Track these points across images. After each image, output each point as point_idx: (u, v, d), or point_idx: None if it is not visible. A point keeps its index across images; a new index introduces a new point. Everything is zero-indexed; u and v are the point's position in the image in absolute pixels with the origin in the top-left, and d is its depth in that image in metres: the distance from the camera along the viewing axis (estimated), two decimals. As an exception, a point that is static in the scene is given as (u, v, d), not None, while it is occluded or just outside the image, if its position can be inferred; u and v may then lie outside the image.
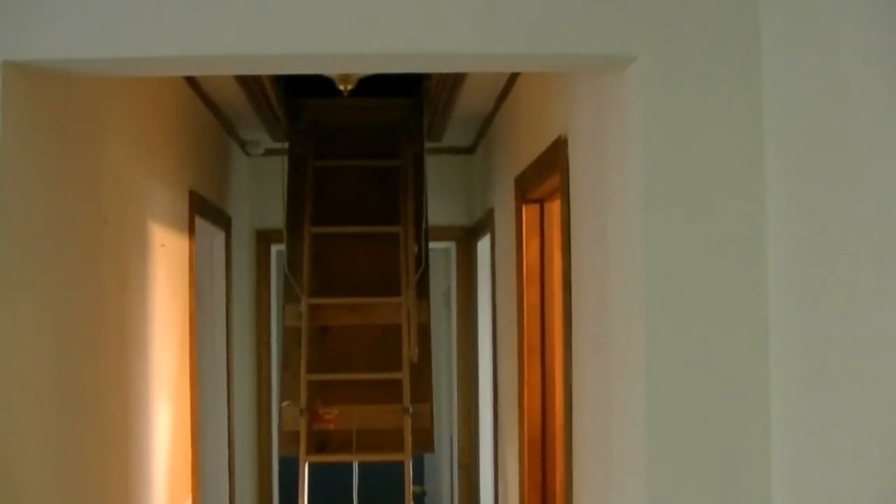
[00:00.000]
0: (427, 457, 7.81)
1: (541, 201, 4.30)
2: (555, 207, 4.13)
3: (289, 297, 5.53)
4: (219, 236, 5.68)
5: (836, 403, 1.99)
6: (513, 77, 4.58)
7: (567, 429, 3.35)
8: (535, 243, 4.38)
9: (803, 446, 2.17)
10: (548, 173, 3.73)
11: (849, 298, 1.94)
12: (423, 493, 7.80)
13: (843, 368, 1.96)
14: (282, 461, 6.70)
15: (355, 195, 5.80)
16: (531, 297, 4.36)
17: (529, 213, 4.37)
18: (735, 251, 2.39)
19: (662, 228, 2.41)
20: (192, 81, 4.66)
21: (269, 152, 6.39)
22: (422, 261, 5.52)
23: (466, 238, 6.63)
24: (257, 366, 6.51)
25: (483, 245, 6.05)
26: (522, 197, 4.35)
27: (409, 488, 5.03)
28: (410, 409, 5.11)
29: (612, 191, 2.75)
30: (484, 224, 5.85)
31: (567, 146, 3.35)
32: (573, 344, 3.30)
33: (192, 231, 4.67)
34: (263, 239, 6.56)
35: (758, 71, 2.39)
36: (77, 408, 3.00)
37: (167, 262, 4.17)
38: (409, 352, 5.19)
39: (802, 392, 2.18)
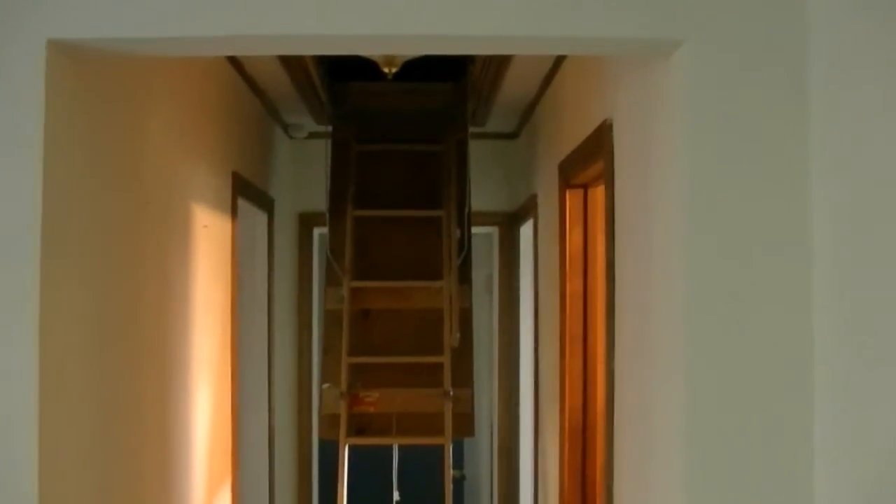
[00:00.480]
0: (467, 442, 7.80)
1: (584, 187, 4.28)
2: (598, 193, 4.11)
3: (331, 280, 5.54)
4: (261, 219, 5.69)
5: (882, 389, 1.96)
6: (557, 62, 4.56)
7: (608, 417, 3.33)
8: (579, 230, 4.36)
9: (846, 428, 2.14)
10: (592, 159, 3.71)
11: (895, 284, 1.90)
12: (463, 478, 7.79)
13: (888, 355, 1.93)
14: (322, 444, 6.71)
15: (398, 179, 5.79)
16: (574, 284, 4.33)
17: (573, 198, 4.34)
18: (779, 239, 2.37)
19: (706, 216, 2.39)
20: (236, 64, 4.66)
21: (312, 136, 6.39)
22: (464, 245, 5.51)
23: (509, 223, 6.61)
24: (298, 349, 6.52)
25: (526, 231, 6.03)
26: (566, 182, 4.32)
27: (449, 472, 5.02)
28: (451, 393, 5.10)
29: (657, 177, 2.72)
30: (527, 210, 5.83)
31: (612, 131, 3.32)
32: (615, 332, 3.28)
33: (234, 213, 4.67)
34: (306, 222, 6.56)
35: (803, 57, 2.36)
36: (118, 389, 3.00)
37: (209, 244, 4.17)
38: (451, 336, 5.18)
39: (847, 378, 2.15)
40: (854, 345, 2.12)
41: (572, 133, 4.13)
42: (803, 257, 2.33)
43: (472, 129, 6.00)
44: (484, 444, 7.10)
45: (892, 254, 1.92)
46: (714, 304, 2.37)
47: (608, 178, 3.36)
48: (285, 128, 6.33)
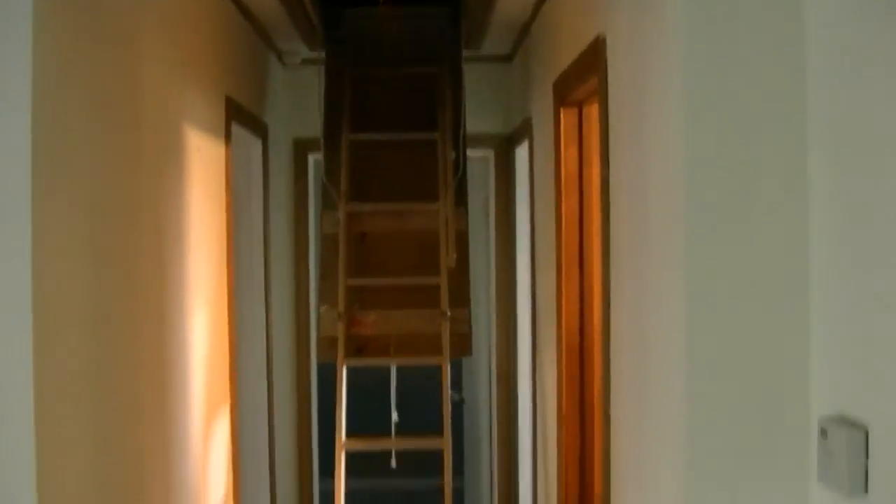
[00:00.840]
0: (465, 366, 7.85)
1: (579, 105, 4.27)
2: (593, 112, 4.10)
3: (326, 204, 5.55)
4: (256, 144, 5.68)
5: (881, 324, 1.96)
6: (551, -20, 4.54)
7: (605, 340, 3.34)
8: (574, 150, 4.36)
9: (844, 335, 2.15)
10: (586, 75, 3.69)
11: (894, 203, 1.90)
12: (462, 401, 7.84)
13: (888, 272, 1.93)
14: (320, 367, 6.76)
15: (393, 103, 5.78)
16: (570, 203, 4.34)
17: (567, 117, 4.33)
18: (777, 160, 2.34)
19: (703, 133, 2.36)
20: (227, -12, 4.64)
21: (306, 62, 6.37)
22: (459, 167, 5.51)
23: (504, 146, 6.61)
24: (295, 273, 6.53)
25: (521, 153, 6.02)
26: (560, 101, 4.32)
27: (447, 392, 5.05)
28: (448, 314, 5.12)
29: (652, 93, 2.71)
30: (522, 132, 5.82)
31: (606, 46, 3.31)
32: (612, 250, 3.28)
33: (228, 137, 4.66)
34: (301, 148, 6.55)
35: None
36: (114, 313, 3.02)
37: (204, 168, 4.17)
38: (447, 257, 5.21)
39: (845, 296, 2.15)
40: (851, 268, 2.12)
41: (566, 51, 4.11)
42: (801, 176, 2.31)
43: (466, 53, 5.99)
44: (482, 367, 7.15)
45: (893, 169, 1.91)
46: (711, 222, 2.35)
47: (602, 95, 3.35)
48: (279, 55, 6.31)
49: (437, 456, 4.98)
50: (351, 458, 5.15)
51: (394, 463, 5.43)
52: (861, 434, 1.86)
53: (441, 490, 4.98)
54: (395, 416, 5.43)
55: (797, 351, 2.24)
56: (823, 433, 2.00)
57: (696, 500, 2.30)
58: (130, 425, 3.14)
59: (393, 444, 5.36)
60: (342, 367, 5.08)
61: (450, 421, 5.07)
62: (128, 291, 3.15)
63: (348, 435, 5.06)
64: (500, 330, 6.70)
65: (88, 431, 2.76)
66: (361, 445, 5.18)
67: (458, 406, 7.84)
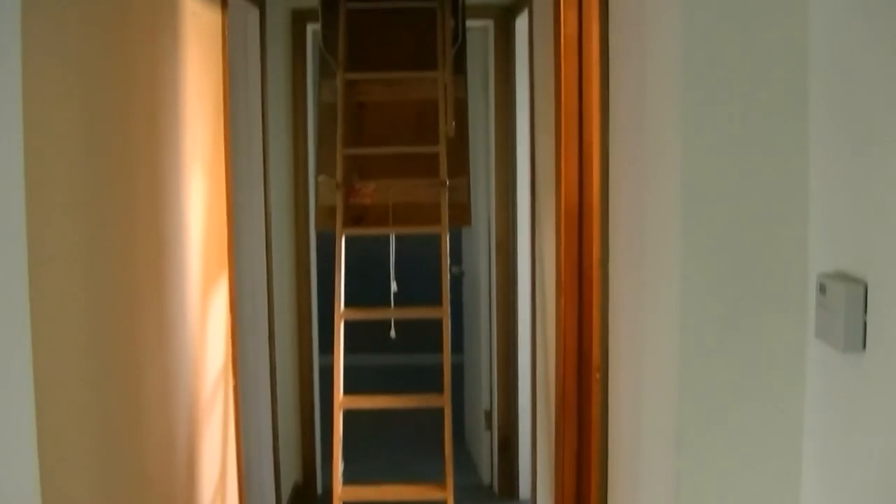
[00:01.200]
0: (464, 238, 7.84)
1: (579, -32, 4.20)
2: (594, -26, 4.04)
3: (324, 73, 5.49)
4: (253, 13, 5.60)
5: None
6: None
7: (603, 200, 3.32)
8: (573, 14, 4.29)
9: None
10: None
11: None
12: (461, 274, 7.85)
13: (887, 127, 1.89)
14: (319, 238, 6.75)
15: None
16: (569, 68, 4.29)
17: (567, -20, 4.27)
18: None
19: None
20: None
21: (303, -72, 6.26)
22: (458, 35, 5.44)
23: (504, 16, 6.51)
24: (293, 143, 6.49)
25: (521, 23, 5.95)
26: (560, -36, 4.25)
27: (446, 261, 5.05)
28: (447, 183, 5.10)
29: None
30: (521, 0, 5.75)
31: None
32: (611, 113, 3.24)
33: (224, 4, 4.59)
34: (299, 18, 6.45)
35: None
36: (107, 178, 2.98)
37: (200, 34, 4.11)
38: (446, 126, 5.17)
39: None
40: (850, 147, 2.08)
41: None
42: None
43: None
44: (482, 240, 7.13)
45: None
46: (711, 82, 2.31)
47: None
48: (274, -82, 6.20)
49: (437, 331, 4.99)
50: (350, 333, 5.17)
51: (393, 333, 5.45)
52: (860, 289, 1.85)
53: (440, 365, 5.00)
54: (394, 287, 5.43)
55: (796, 208, 2.21)
56: (822, 289, 1.98)
57: (692, 355, 2.29)
58: (126, 292, 3.12)
59: (392, 314, 5.36)
60: (341, 236, 5.07)
61: (448, 291, 5.08)
62: (121, 157, 3.11)
63: (347, 307, 5.07)
64: (499, 200, 6.67)
65: (82, 298, 2.74)
66: (360, 315, 5.19)
67: (457, 279, 7.84)
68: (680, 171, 2.30)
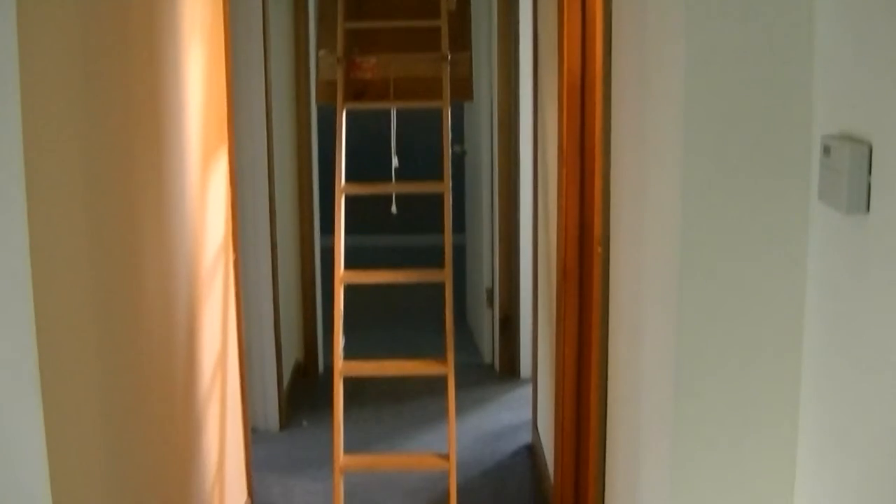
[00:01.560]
0: (466, 117, 7.79)
1: None
2: None
3: (324, -55, 5.41)
4: None
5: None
6: None
7: (606, 71, 3.27)
8: None
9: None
10: None
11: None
12: (464, 153, 7.81)
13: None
14: (321, 113, 6.70)
15: None
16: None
17: None
18: None
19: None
20: None
21: None
22: None
23: None
24: (294, 16, 6.41)
25: None
26: None
27: (447, 135, 5.01)
28: (449, 57, 5.04)
29: None
30: None
31: None
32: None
33: None
34: None
35: None
36: (104, 50, 2.93)
37: None
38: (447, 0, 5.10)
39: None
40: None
41: None
42: None
43: None
44: (484, 118, 7.08)
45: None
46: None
47: None
48: None
49: (438, 211, 4.96)
50: (351, 213, 5.14)
51: (394, 209, 5.43)
52: (864, 149, 1.81)
53: (442, 245, 4.99)
54: (395, 162, 5.40)
55: (801, 70, 2.17)
56: (826, 150, 1.95)
57: (694, 220, 2.27)
58: (124, 163, 3.09)
59: (393, 188, 5.33)
60: (341, 111, 5.02)
61: (450, 165, 5.04)
62: (119, 31, 3.05)
63: (348, 182, 5.04)
64: (501, 76, 6.61)
65: (79, 171, 2.71)
66: (361, 190, 5.15)
67: (459, 157, 7.81)
68: (684, 38, 2.26)
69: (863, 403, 1.85)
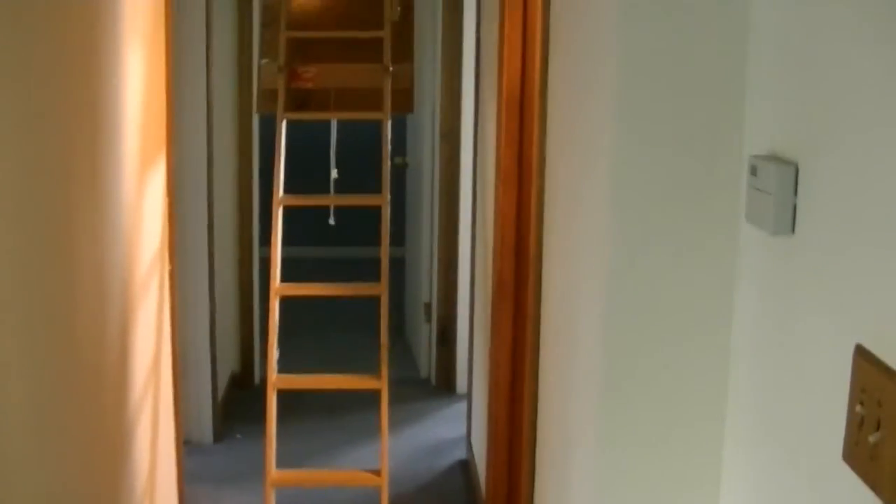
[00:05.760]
0: (409, 129, 7.78)
1: None
2: None
3: (270, -46, 5.40)
4: None
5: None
6: None
7: (542, 85, 3.28)
8: None
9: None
10: None
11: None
12: (405, 165, 7.79)
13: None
14: (262, 122, 6.67)
15: None
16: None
17: None
18: None
19: None
20: None
21: None
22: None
23: None
24: (238, 25, 6.37)
25: None
26: None
27: (387, 148, 5.00)
28: (391, 69, 5.03)
29: None
30: None
31: None
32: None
33: None
34: None
35: None
36: (40, 52, 2.90)
37: None
38: (391, 10, 5.09)
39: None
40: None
41: None
42: None
43: None
44: (426, 130, 7.06)
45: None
46: None
47: None
48: None
49: (377, 224, 4.95)
50: (289, 225, 5.12)
51: (332, 220, 5.42)
52: (791, 170, 1.82)
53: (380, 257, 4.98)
54: (334, 174, 5.39)
55: (733, 89, 2.18)
56: (753, 171, 1.95)
57: (624, 238, 2.28)
58: (59, 165, 3.05)
59: (332, 200, 5.32)
60: (282, 120, 5.00)
61: (389, 178, 5.03)
62: (55, 33, 3.02)
63: (287, 194, 5.02)
64: (445, 88, 6.60)
65: (13, 170, 2.67)
66: (299, 202, 5.13)
67: (401, 170, 7.79)
68: (616, 56, 2.27)
69: (787, 419, 1.86)
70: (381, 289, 4.93)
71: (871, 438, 1.51)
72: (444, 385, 7.04)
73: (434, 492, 5.55)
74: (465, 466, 5.81)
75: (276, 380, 4.80)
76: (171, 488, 4.73)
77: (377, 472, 4.83)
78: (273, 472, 4.73)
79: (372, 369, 5.12)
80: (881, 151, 1.52)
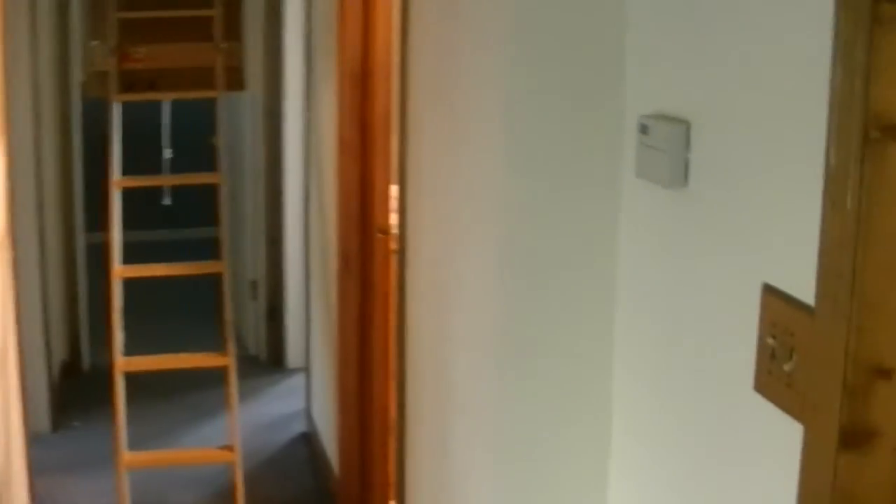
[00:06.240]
0: (229, 107, 7.70)
1: None
2: None
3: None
4: None
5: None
6: None
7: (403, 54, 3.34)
8: None
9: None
10: None
11: None
12: (216, 145, 7.71)
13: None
14: (88, 104, 6.54)
15: None
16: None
17: None
18: None
19: None
20: None
21: None
22: None
23: None
24: (58, 7, 6.22)
25: None
26: None
27: (222, 127, 5.01)
28: (222, 47, 5.03)
29: None
30: None
31: None
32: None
33: None
34: None
35: None
36: None
37: None
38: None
39: None
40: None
41: None
42: None
43: None
44: (247, 109, 7.03)
45: None
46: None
47: None
48: None
49: (208, 204, 4.94)
50: (123, 210, 5.08)
51: (168, 200, 5.40)
52: (683, 127, 1.94)
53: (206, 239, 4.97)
54: (167, 154, 5.36)
55: (611, 52, 2.28)
56: (644, 129, 2.07)
57: (512, 192, 2.37)
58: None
59: (168, 180, 5.30)
60: (115, 103, 4.95)
61: (224, 157, 5.04)
62: None
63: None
64: (266, 64, 6.57)
65: None
66: (135, 183, 5.10)
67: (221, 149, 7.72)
68: (502, 17, 2.35)
69: (689, 359, 1.98)
70: (223, 266, 4.95)
71: (787, 367, 1.64)
72: (274, 361, 7.08)
73: (279, 464, 5.60)
74: (308, 438, 5.87)
75: (122, 363, 4.77)
76: (22, 481, 4.67)
77: (229, 448, 4.85)
78: (125, 454, 4.71)
79: (207, 348, 5.14)
80: (772, 101, 1.65)
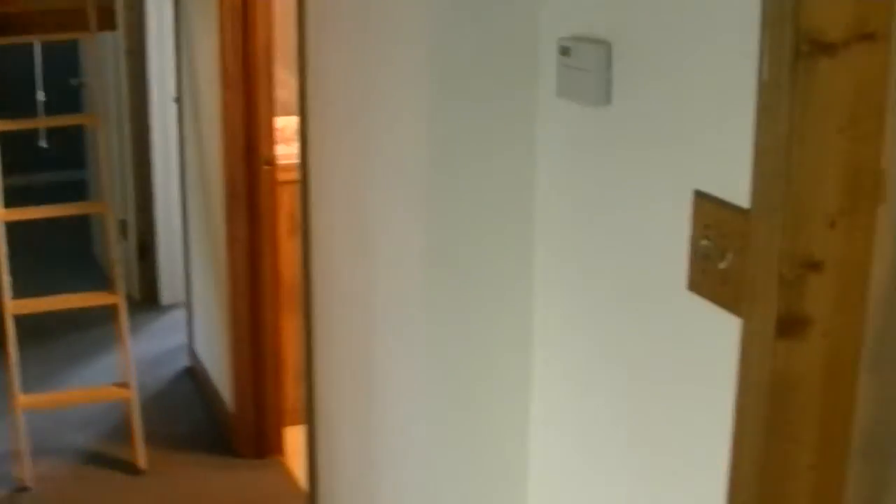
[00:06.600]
0: (87, 48, 7.59)
1: None
2: None
3: None
4: None
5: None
6: None
7: None
8: None
9: None
10: None
11: None
12: (83, 85, 7.63)
13: None
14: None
15: None
16: None
17: None
18: None
19: None
20: None
21: None
22: None
23: None
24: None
25: None
26: None
27: (98, 66, 4.97)
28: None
29: None
30: None
31: None
32: None
33: None
34: None
35: None
36: None
37: None
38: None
39: None
40: None
41: None
42: None
43: None
44: (106, 49, 6.94)
45: None
46: None
47: None
48: None
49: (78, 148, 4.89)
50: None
51: (45, 143, 5.35)
52: (605, 48, 2.07)
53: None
54: (41, 96, 5.31)
55: None
56: (565, 51, 2.18)
57: (437, 116, 2.46)
58: None
59: (43, 122, 5.26)
60: (-15, 46, 4.90)
61: (97, 99, 5.02)
62: None
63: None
64: (127, 3, 6.49)
65: None
66: (10, 126, 5.04)
67: (79, 92, 7.63)
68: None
69: (617, 266, 2.12)
70: (104, 206, 4.96)
71: (721, 265, 1.79)
72: (148, 299, 7.08)
73: (167, 399, 5.64)
74: (192, 373, 5.91)
75: (12, 305, 4.76)
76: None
77: (124, 385, 4.89)
78: (20, 396, 4.72)
79: (83, 288, 5.18)
80: (698, 21, 1.79)
